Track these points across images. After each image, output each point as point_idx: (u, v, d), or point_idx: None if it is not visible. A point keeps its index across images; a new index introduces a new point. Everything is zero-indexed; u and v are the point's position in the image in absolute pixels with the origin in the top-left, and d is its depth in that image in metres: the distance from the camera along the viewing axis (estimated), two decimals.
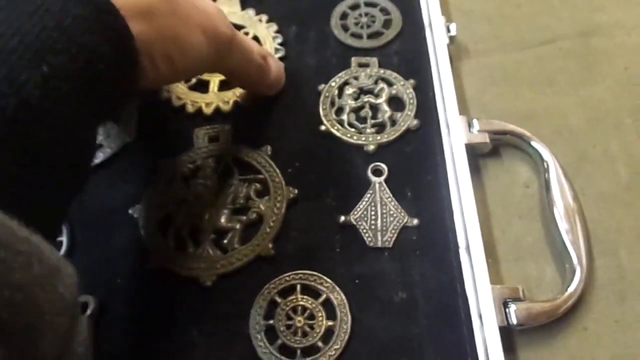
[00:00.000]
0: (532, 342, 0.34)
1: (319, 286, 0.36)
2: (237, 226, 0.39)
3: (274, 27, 0.48)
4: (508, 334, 0.34)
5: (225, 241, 0.38)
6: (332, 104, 0.44)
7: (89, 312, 0.36)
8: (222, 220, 0.39)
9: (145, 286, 0.38)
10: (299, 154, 0.42)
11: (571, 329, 0.34)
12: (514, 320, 0.33)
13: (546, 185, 0.38)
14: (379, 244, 0.37)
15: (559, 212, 0.37)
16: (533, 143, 0.40)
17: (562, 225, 0.36)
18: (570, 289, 0.34)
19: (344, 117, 0.43)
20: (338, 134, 0.42)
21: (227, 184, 0.41)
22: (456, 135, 0.39)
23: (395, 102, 0.44)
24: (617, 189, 0.38)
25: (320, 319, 0.35)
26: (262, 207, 0.39)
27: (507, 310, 0.33)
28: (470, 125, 0.40)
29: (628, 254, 0.36)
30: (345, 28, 0.48)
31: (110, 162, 0.43)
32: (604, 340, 0.34)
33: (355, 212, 0.39)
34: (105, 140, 0.44)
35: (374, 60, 0.46)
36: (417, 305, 0.35)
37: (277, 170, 0.41)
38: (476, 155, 0.41)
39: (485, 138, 0.40)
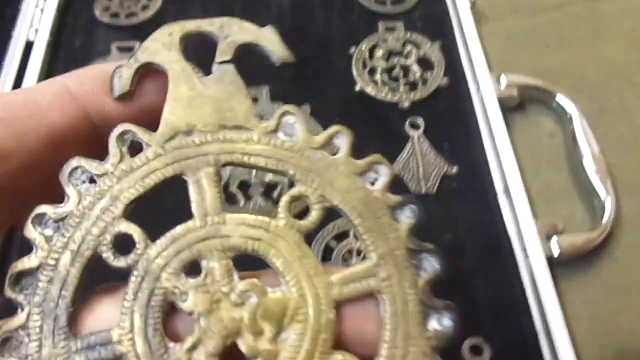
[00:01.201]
0: (569, 274, 0.37)
1: None
2: (285, 180, 0.40)
3: None
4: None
5: (275, 194, 0.40)
6: (364, 65, 0.46)
7: None
8: (270, 174, 0.41)
9: (165, 226, 0.39)
10: (336, 112, 0.44)
11: (603, 260, 0.38)
12: (556, 252, 0.36)
13: (572, 135, 0.41)
14: (423, 191, 0.40)
15: (585, 157, 0.40)
16: (558, 97, 0.43)
17: (590, 168, 0.39)
18: (604, 220, 0.37)
19: (377, 77, 0.45)
20: (372, 93, 0.44)
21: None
22: (487, 90, 0.42)
23: (424, 63, 0.46)
24: (634, 135, 0.42)
25: None
26: None
27: (549, 243, 0.36)
28: (498, 81, 0.43)
29: None
30: None
31: None
32: (633, 269, 0.37)
33: (398, 163, 0.41)
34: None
35: (399, 25, 0.48)
36: (463, 244, 0.38)
37: (319, 127, 0.43)
38: (503, 110, 0.44)
39: (513, 92, 0.43)
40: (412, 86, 0.45)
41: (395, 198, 0.17)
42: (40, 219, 0.15)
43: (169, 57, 0.17)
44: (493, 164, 0.40)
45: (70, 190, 0.16)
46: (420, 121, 0.43)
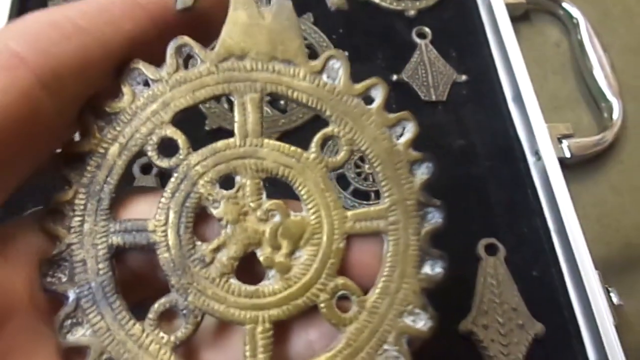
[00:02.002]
0: (578, 177, 0.38)
1: None
2: None
3: None
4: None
5: (281, 102, 0.39)
6: None
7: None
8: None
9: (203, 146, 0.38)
10: (341, 21, 0.42)
11: (610, 163, 0.38)
12: (568, 153, 0.36)
13: (577, 42, 0.41)
14: (433, 98, 0.39)
15: (592, 62, 0.40)
16: (564, 3, 0.42)
17: (598, 73, 0.40)
18: (614, 120, 0.38)
19: None
20: (377, 0, 0.43)
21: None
22: None
23: None
24: (638, 40, 0.42)
25: None
26: None
27: (561, 145, 0.37)
28: None
29: None
30: None
31: None
32: (638, 169, 0.38)
33: (406, 71, 0.40)
34: None
35: None
36: (476, 149, 0.38)
37: (324, 35, 0.41)
38: (510, 19, 0.43)
39: None
40: None
41: (415, 154, 0.18)
42: (95, 111, 0.17)
43: None
44: (502, 72, 0.40)
45: (126, 89, 0.17)
46: (427, 30, 0.42)
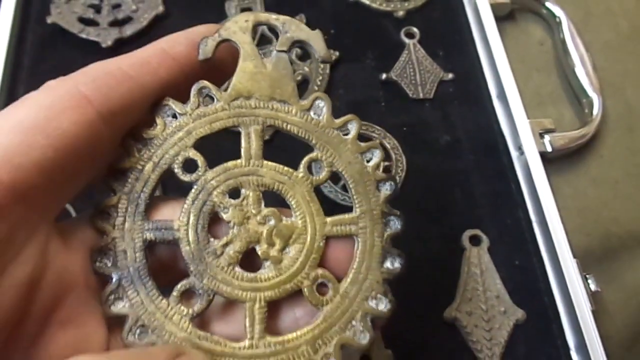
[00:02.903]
0: (560, 170, 0.39)
1: (371, 134, 0.39)
2: None
3: None
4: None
5: None
6: None
7: None
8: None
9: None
10: (332, 22, 0.44)
11: (591, 156, 0.40)
12: (549, 148, 0.38)
13: (560, 41, 0.43)
14: (421, 96, 0.41)
15: (574, 60, 0.42)
16: (547, 3, 0.44)
17: (579, 71, 0.41)
18: (594, 115, 0.39)
19: None
20: (367, 2, 0.44)
21: (266, 51, 0.42)
22: None
23: None
24: (619, 39, 0.43)
25: None
26: (306, 69, 0.41)
27: (542, 140, 0.38)
28: None
29: (634, 92, 0.42)
30: None
31: (140, 35, 0.43)
32: (618, 163, 0.40)
33: (395, 70, 0.42)
34: (134, 13, 0.43)
35: None
36: (461, 145, 0.39)
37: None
38: (495, 19, 0.44)
39: None
40: None
41: (380, 175, 0.22)
42: (135, 137, 0.21)
43: (243, 39, 0.22)
44: (487, 70, 0.42)
45: (159, 120, 0.21)
46: (415, 30, 0.43)
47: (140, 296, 0.20)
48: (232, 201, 0.21)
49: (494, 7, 0.43)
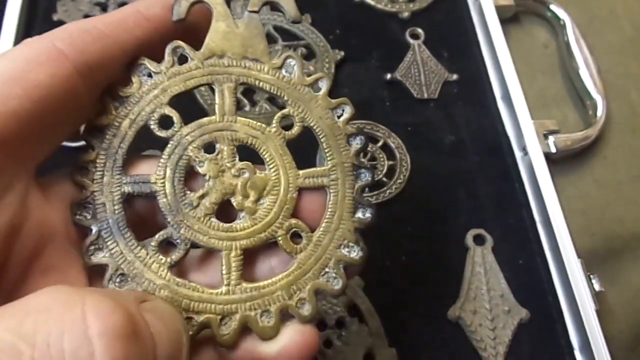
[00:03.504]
0: (564, 171, 0.39)
1: (375, 133, 0.39)
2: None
3: None
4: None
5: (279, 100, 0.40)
6: None
7: None
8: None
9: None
10: (337, 22, 0.44)
11: (594, 158, 0.40)
12: (554, 148, 0.38)
13: (564, 44, 0.43)
14: (425, 96, 0.41)
15: (577, 63, 0.42)
16: (552, 6, 0.44)
17: (583, 73, 0.41)
18: (598, 117, 0.39)
19: None
20: (372, 3, 0.45)
21: (272, 50, 0.42)
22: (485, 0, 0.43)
23: None
24: (624, 42, 0.44)
25: (382, 159, 0.38)
26: (311, 68, 0.42)
27: (547, 141, 0.38)
28: None
29: (638, 94, 0.42)
30: None
31: None
32: (621, 165, 0.40)
33: (400, 70, 0.42)
34: None
35: None
36: (466, 144, 0.39)
37: (321, 36, 0.43)
38: (499, 21, 0.45)
39: (510, 1, 0.44)
40: None
41: (350, 129, 0.23)
42: (112, 95, 0.22)
43: (216, 0, 0.23)
44: (492, 71, 0.42)
45: (135, 78, 0.22)
46: (420, 31, 0.43)
47: (120, 246, 0.21)
48: (208, 155, 0.22)
49: (499, 10, 0.44)
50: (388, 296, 0.34)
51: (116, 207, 0.21)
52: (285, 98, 0.22)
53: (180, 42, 0.22)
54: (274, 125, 0.22)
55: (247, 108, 0.40)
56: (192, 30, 0.22)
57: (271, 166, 0.22)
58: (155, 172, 0.21)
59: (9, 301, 0.16)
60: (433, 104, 0.41)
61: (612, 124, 0.41)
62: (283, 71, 0.23)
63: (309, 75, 0.23)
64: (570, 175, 0.39)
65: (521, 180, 0.38)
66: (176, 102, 0.22)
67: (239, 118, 0.22)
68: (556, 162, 0.39)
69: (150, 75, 0.22)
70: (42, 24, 0.43)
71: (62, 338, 0.14)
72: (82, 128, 0.22)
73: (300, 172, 0.22)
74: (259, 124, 0.22)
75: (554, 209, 0.36)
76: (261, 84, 0.22)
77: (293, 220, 0.22)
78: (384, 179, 0.38)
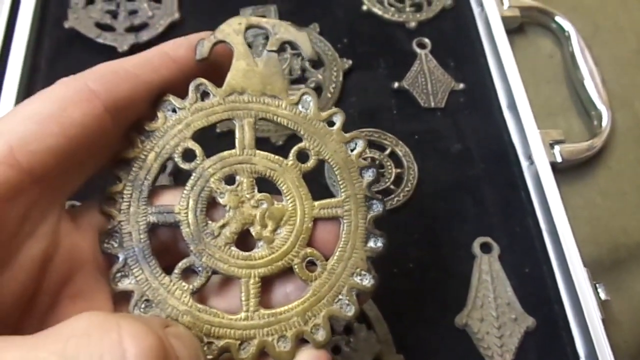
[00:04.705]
0: (569, 181, 0.40)
1: (383, 141, 0.40)
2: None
3: None
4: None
5: None
6: None
7: None
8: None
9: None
10: (345, 32, 0.44)
11: (599, 168, 0.40)
12: (559, 158, 0.38)
13: (569, 54, 0.43)
14: (432, 105, 0.41)
15: (582, 73, 0.42)
16: (557, 17, 0.45)
17: (588, 83, 0.42)
18: (603, 127, 0.40)
19: None
20: (380, 12, 0.45)
21: (280, 58, 0.43)
22: (491, 10, 0.44)
23: None
24: (628, 53, 0.44)
25: (389, 167, 0.39)
26: (319, 76, 0.42)
27: (553, 150, 0.39)
28: (501, 1, 0.45)
29: None
30: None
31: (156, 41, 0.44)
32: (626, 175, 0.40)
33: (407, 79, 0.42)
34: (150, 20, 0.44)
35: None
36: (472, 153, 0.40)
37: (329, 44, 0.43)
38: (505, 31, 0.45)
39: (516, 12, 0.44)
40: (418, 7, 0.46)
41: (363, 162, 0.24)
42: (138, 129, 0.23)
43: (237, 40, 0.24)
44: (497, 81, 0.42)
45: (160, 114, 0.23)
46: (426, 41, 0.44)
47: (145, 274, 0.22)
48: (228, 187, 0.23)
49: (505, 20, 0.44)
50: (396, 303, 0.34)
51: (142, 236, 0.22)
52: (302, 132, 0.24)
53: (203, 80, 0.23)
54: (290, 158, 0.23)
55: None
56: (215, 68, 0.24)
57: (288, 197, 0.23)
58: (179, 203, 0.23)
59: (42, 325, 0.17)
60: (440, 113, 0.41)
61: (616, 134, 0.41)
62: (300, 107, 0.24)
63: (324, 111, 0.24)
64: (576, 184, 0.40)
65: (527, 189, 0.38)
66: (199, 136, 0.23)
67: (257, 152, 0.23)
68: (562, 171, 0.39)
69: (174, 111, 0.23)
70: (52, 30, 0.44)
71: None
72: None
73: (316, 203, 0.23)
74: (277, 157, 0.23)
75: (560, 218, 0.36)
76: (279, 119, 0.23)
77: (309, 249, 0.23)
78: (392, 186, 0.38)
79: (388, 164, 0.39)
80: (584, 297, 0.34)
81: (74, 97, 0.20)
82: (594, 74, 0.42)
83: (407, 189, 0.38)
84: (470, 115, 0.41)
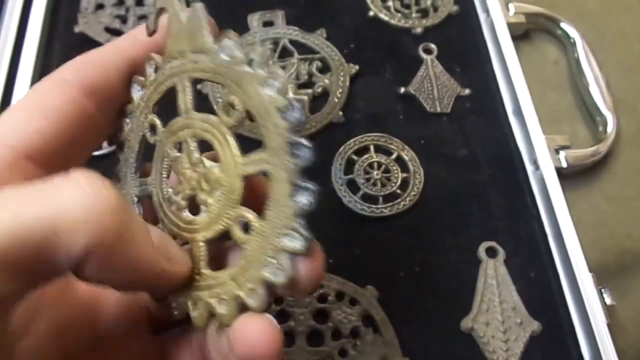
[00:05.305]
0: (574, 186, 0.40)
1: (389, 145, 0.40)
2: (305, 98, 0.42)
3: None
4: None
5: None
6: None
7: None
8: (290, 93, 0.42)
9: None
10: (352, 37, 0.45)
11: (605, 173, 0.41)
12: (565, 163, 0.39)
13: (575, 61, 0.44)
14: (438, 110, 0.42)
15: (587, 79, 0.42)
16: (562, 24, 0.45)
17: (593, 89, 0.42)
18: (607, 134, 0.40)
19: (390, 3, 0.46)
20: (386, 18, 0.46)
21: (288, 63, 0.43)
22: (497, 16, 0.44)
23: None
24: (633, 59, 0.44)
25: (395, 172, 0.39)
26: (326, 81, 0.42)
27: (558, 155, 0.39)
28: (507, 8, 0.45)
29: None
30: None
31: None
32: (631, 180, 0.40)
33: (413, 85, 0.43)
34: None
35: None
36: (478, 158, 0.40)
37: (336, 50, 0.44)
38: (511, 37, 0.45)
39: (521, 19, 0.45)
40: (424, 13, 0.46)
41: (282, 102, 0.20)
42: (125, 113, 0.24)
43: (172, 3, 0.23)
44: (503, 86, 0.42)
45: (133, 95, 0.24)
46: (432, 46, 0.44)
47: None
48: (175, 154, 0.22)
49: (510, 27, 0.44)
50: (402, 307, 0.34)
51: (134, 207, 0.24)
52: (229, 83, 0.21)
53: (153, 55, 0.23)
54: (220, 115, 0.22)
55: None
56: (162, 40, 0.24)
57: (221, 157, 0.21)
58: (151, 175, 0.23)
59: None
60: (446, 118, 0.42)
61: (621, 140, 0.41)
62: (223, 55, 0.21)
63: (246, 53, 0.21)
64: (581, 189, 0.40)
65: (533, 194, 0.38)
66: (162, 108, 0.23)
67: (195, 113, 0.22)
68: (567, 176, 0.39)
69: (141, 90, 0.24)
70: (63, 34, 0.44)
71: None
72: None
73: (242, 159, 0.21)
74: (210, 116, 0.22)
75: (565, 223, 0.36)
76: (205, 74, 0.22)
77: (240, 210, 0.21)
78: (398, 190, 0.38)
79: (394, 168, 0.39)
80: (589, 301, 0.34)
81: (51, 86, 0.23)
82: (599, 80, 0.42)
83: (413, 193, 0.38)
84: (476, 121, 0.41)
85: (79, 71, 0.23)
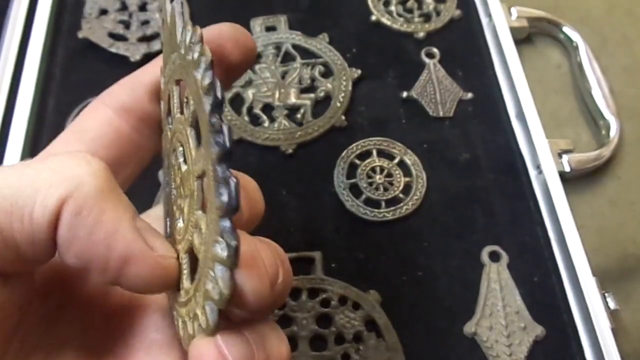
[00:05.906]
0: (578, 190, 0.40)
1: (392, 150, 0.40)
2: (308, 102, 0.42)
3: None
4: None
5: (298, 116, 0.41)
6: None
7: None
8: (292, 97, 0.42)
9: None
10: (354, 42, 0.45)
11: (607, 178, 0.40)
12: (568, 168, 0.39)
13: (577, 65, 0.44)
14: (441, 114, 0.42)
15: (590, 84, 0.42)
16: (565, 28, 0.45)
17: (596, 93, 0.42)
18: (610, 139, 0.40)
19: (392, 8, 0.46)
20: (388, 23, 0.46)
21: (290, 68, 0.43)
22: (499, 21, 0.44)
23: None
24: (636, 64, 0.44)
25: (398, 176, 0.39)
26: (329, 85, 0.42)
27: (561, 160, 0.39)
28: (509, 12, 0.45)
29: None
30: None
31: None
32: (634, 184, 0.40)
33: (416, 89, 0.43)
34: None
35: None
36: (480, 162, 0.40)
37: (338, 54, 0.44)
38: (513, 42, 0.45)
39: (524, 23, 0.45)
40: (426, 17, 0.46)
41: (205, 85, 0.17)
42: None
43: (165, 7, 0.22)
44: (506, 91, 0.42)
45: (163, 124, 0.24)
46: (435, 50, 0.44)
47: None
48: (172, 161, 0.21)
49: (512, 31, 0.44)
50: (405, 311, 0.34)
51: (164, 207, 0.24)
52: (184, 77, 0.19)
53: (160, 65, 0.23)
54: (183, 112, 0.20)
55: (266, 124, 0.41)
56: (233, 70, 0.25)
57: (187, 158, 0.19)
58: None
59: None
60: (448, 122, 0.42)
61: (624, 144, 0.41)
62: (182, 50, 0.19)
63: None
64: (584, 194, 0.40)
65: (535, 199, 0.38)
66: None
67: (177, 116, 0.20)
68: (570, 181, 0.39)
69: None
70: (66, 39, 0.44)
71: None
72: None
73: (193, 158, 0.19)
74: (180, 116, 0.20)
75: (569, 227, 0.36)
76: (181, 74, 0.20)
77: (196, 216, 0.18)
78: (401, 195, 0.38)
79: (397, 172, 0.39)
80: (593, 306, 0.34)
81: (88, 110, 0.24)
82: (602, 84, 0.42)
83: (415, 197, 0.38)
84: (478, 125, 0.41)
85: (111, 94, 0.24)
